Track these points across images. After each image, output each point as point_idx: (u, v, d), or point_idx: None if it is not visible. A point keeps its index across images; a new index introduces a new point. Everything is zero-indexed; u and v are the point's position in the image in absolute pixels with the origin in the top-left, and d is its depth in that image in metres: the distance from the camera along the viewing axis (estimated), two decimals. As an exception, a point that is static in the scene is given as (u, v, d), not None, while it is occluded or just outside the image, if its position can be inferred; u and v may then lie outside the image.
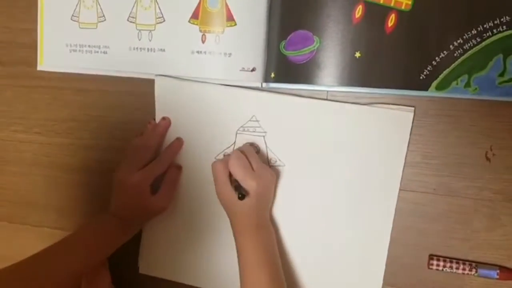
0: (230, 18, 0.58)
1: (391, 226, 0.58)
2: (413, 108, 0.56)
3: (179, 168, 0.64)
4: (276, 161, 0.60)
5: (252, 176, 0.55)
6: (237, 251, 0.57)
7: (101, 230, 0.61)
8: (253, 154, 0.58)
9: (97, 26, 0.64)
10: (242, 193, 0.54)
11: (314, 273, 0.61)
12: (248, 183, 0.55)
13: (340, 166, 0.58)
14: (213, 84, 0.61)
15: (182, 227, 0.65)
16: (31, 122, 0.71)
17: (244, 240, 0.56)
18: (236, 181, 0.56)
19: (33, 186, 0.72)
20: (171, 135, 0.64)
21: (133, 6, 0.62)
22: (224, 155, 0.62)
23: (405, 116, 0.56)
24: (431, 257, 0.57)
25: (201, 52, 0.59)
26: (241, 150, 0.58)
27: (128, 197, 0.60)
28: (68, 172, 0.70)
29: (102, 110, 0.68)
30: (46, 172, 0.71)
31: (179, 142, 0.64)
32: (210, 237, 0.64)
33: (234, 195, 0.55)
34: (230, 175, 0.57)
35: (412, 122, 0.56)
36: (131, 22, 0.62)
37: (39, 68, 0.68)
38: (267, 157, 0.60)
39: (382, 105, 0.56)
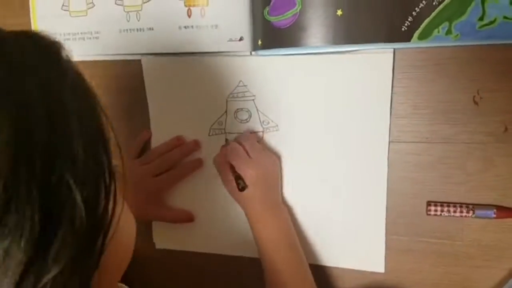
0: (212, -11, 0.60)
1: (386, 175, 0.60)
2: (392, 49, 0.57)
3: (190, 219, 0.67)
4: (268, 123, 0.62)
5: (249, 165, 0.56)
6: (253, 236, 0.59)
7: None
8: (249, 141, 0.59)
9: (87, 13, 0.66)
10: (241, 185, 0.56)
11: (318, 232, 0.64)
12: (246, 172, 0.56)
13: (329, 118, 0.60)
14: (198, 56, 0.63)
15: (189, 198, 0.67)
16: (35, 113, 0.73)
17: (258, 225, 0.58)
18: (236, 171, 0.57)
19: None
20: (164, 112, 0.66)
21: (119, -11, 0.64)
22: (221, 147, 0.64)
23: (385, 58, 0.57)
24: (428, 203, 0.59)
25: (188, 26, 0.61)
26: (237, 141, 0.59)
27: (137, 197, 0.64)
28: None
29: (98, 95, 0.69)
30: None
31: (200, 163, 0.65)
32: (217, 204, 0.66)
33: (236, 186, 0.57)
34: (232, 166, 0.58)
35: (393, 64, 0.57)
36: (118, 5, 0.64)
37: (36, 60, 0.71)
38: (260, 120, 0.62)
39: (362, 51, 0.58)
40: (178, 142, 0.65)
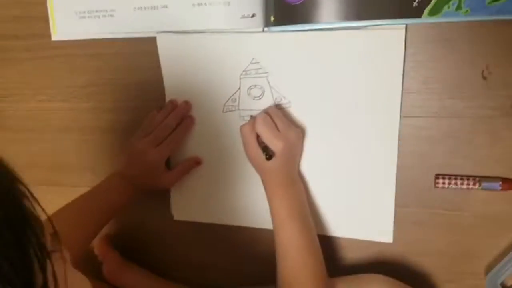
0: (225, -34, 0.60)
1: (396, 149, 0.61)
2: (404, 26, 0.57)
3: (197, 162, 0.69)
4: (281, 100, 0.64)
5: (278, 137, 0.59)
6: (269, 207, 0.61)
7: (111, 191, 0.67)
8: (278, 114, 0.61)
9: (102, -9, 0.67)
10: (269, 154, 0.59)
11: (329, 204, 0.66)
12: (275, 144, 0.58)
13: (342, 94, 0.61)
14: (211, 34, 0.64)
15: (206, 172, 0.70)
16: (54, 91, 0.76)
17: (275, 197, 0.60)
18: (263, 142, 0.60)
19: (64, 151, 0.78)
20: (179, 89, 0.68)
21: (134, -34, 0.64)
22: (250, 116, 0.65)
23: (397, 34, 0.58)
24: (437, 176, 0.61)
25: (201, 4, 0.62)
26: (267, 112, 0.61)
27: (144, 170, 0.66)
28: (94, 134, 0.76)
29: (116, 73, 0.72)
30: (74, 136, 0.77)
31: (191, 120, 0.67)
32: (233, 177, 0.69)
33: (262, 156, 0.59)
34: (258, 136, 0.60)
35: (405, 40, 0.58)
36: (133, -17, 0.65)
37: (53, 38, 0.73)
38: (273, 97, 0.64)
39: (375, 27, 0.58)
40: (172, 107, 0.67)
